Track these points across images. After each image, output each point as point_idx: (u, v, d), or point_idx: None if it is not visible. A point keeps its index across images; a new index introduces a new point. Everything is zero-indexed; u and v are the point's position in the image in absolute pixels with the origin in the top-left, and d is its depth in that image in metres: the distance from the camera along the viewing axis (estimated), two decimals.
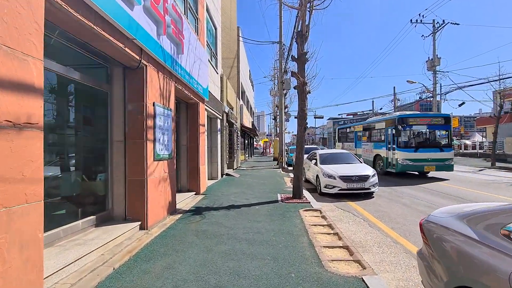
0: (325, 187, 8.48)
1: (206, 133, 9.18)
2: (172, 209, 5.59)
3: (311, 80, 7.22)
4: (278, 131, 33.70)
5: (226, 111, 12.45)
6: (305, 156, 15.61)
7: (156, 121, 4.73)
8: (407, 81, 25.99)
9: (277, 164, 20.62)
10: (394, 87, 32.69)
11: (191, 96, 7.09)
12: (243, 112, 19.98)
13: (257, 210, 6.08)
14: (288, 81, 18.02)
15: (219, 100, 11.42)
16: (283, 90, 18.39)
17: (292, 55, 7.48)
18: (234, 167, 15.73)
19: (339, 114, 44.38)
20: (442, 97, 25.16)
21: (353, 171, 8.47)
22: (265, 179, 11.67)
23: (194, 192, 7.68)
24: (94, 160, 4.35)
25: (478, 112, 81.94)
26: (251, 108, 32.79)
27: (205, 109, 8.81)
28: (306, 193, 8.06)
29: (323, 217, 5.69)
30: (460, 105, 24.52)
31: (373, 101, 41.76)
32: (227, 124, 12.65)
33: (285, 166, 18.65)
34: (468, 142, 36.20)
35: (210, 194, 7.81)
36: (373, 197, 8.38)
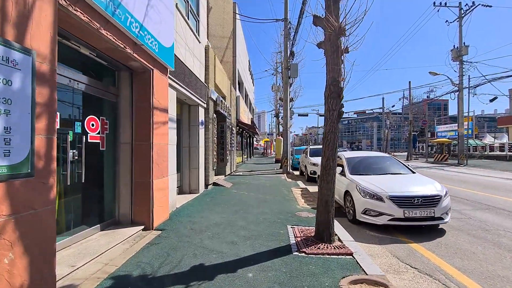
0: (365, 213, 5.17)
1: (175, 125, 5.88)
2: None
3: (353, 26, 3.91)
4: (280, 130, 30.40)
5: (214, 98, 9.15)
6: (319, 160, 12.36)
7: None
8: (429, 72, 22.66)
9: (280, 167, 17.31)
10: (409, 82, 29.34)
11: (131, 54, 3.79)
12: (240, 105, 16.70)
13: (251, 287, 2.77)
14: (294, 67, 14.73)
15: (202, 81, 8.12)
16: (289, 78, 15.11)
17: None
18: (227, 173, 12.43)
19: (345, 112, 41.19)
20: (470, 91, 21.82)
21: (411, 188, 5.16)
22: (267, 192, 8.36)
23: (143, 227, 4.37)
24: None
25: (493, 112, 78.34)
26: (250, 104, 29.50)
27: (171, 85, 5.51)
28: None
29: None
30: (491, 101, 21.20)
31: (383, 98, 38.38)
32: (215, 115, 9.35)
33: (290, 170, 15.35)
34: (486, 142, 32.87)
35: (170, 230, 4.48)
36: (444, 230, 5.09)
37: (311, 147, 14.06)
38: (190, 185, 7.72)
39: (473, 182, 11.45)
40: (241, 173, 14.34)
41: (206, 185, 8.54)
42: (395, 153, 41.55)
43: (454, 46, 22.94)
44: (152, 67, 4.45)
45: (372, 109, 38.97)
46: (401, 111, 50.59)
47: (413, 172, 6.29)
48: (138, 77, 4.48)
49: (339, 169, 6.70)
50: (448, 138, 29.47)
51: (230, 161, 13.01)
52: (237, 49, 16.21)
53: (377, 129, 74.82)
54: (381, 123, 74.08)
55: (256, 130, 22.35)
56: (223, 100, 10.43)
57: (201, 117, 8.02)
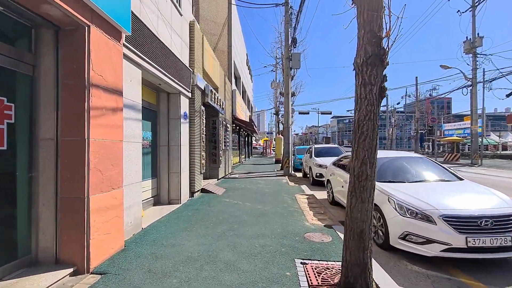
0: (405, 238, 3.63)
1: (139, 116, 4.32)
2: None
3: None
4: (280, 128, 28.82)
5: (202, 86, 7.60)
6: (327, 160, 10.78)
7: None
8: (440, 66, 21.15)
9: (281, 169, 15.78)
10: (416, 77, 27.86)
11: None
12: (237, 100, 15.14)
13: None
14: (297, 56, 13.18)
15: (186, 64, 6.57)
16: (290, 69, 13.56)
17: None
18: (221, 175, 10.88)
19: (348, 111, 39.39)
20: (485, 86, 20.31)
21: (470, 203, 3.62)
22: (266, 201, 6.81)
23: (72, 269, 2.81)
24: None
25: (493, 110, 76.94)
26: (249, 101, 27.95)
27: (130, 58, 3.95)
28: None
29: None
30: (508, 95, 19.65)
31: (387, 95, 36.68)
32: (203, 108, 7.78)
33: (292, 172, 13.82)
34: (497, 141, 31.43)
35: (114, 274, 2.92)
36: None
37: (315, 146, 12.52)
38: (169, 194, 6.17)
39: (504, 186, 9.92)
40: (237, 176, 12.80)
41: (192, 193, 6.98)
42: None
43: (467, 37, 21.40)
44: (87, 22, 2.88)
45: None
46: (405, 109, 49.03)
47: (460, 179, 4.74)
48: (65, 37, 2.92)
49: None
50: (456, 137, 27.96)
51: (224, 162, 11.47)
52: (232, 38, 14.65)
53: (378, 128, 73.24)
54: (382, 121, 72.56)
55: (255, 128, 20.82)
56: (215, 91, 8.87)
57: (184, 108, 6.47)
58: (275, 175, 13.48)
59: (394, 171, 4.99)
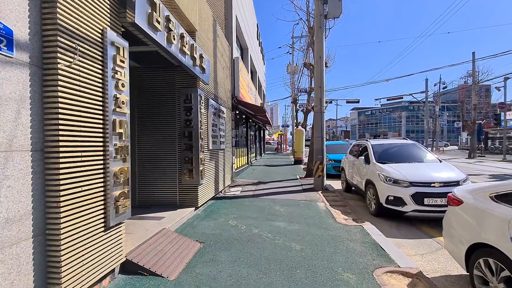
0: None
1: None
2: None
3: None
4: (299, 119, 23.62)
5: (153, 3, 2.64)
6: (407, 170, 5.49)
7: None
8: None
9: (307, 175, 10.71)
10: (473, 53, 21.74)
11: None
12: (240, 73, 10.16)
13: None
14: None
15: None
16: (325, 17, 8.36)
17: None
18: (206, 199, 5.98)
19: (376, 99, 33.24)
20: None
21: None
22: None
23: None
24: None
25: None
26: (260, 86, 22.90)
27: None
28: None
29: None
30: None
31: (426, 79, 30.43)
32: (122, 42, 2.83)
33: (326, 183, 8.72)
34: None
35: None
36: None
37: (373, 142, 7.25)
38: None
39: None
40: (239, 191, 7.89)
41: None
42: (445, 149, 33.72)
43: None
44: None
45: (411, 94, 31.20)
46: (439, 98, 42.37)
47: None
48: None
49: None
50: None
51: (214, 173, 6.58)
52: None
53: (406, 120, 66.27)
54: (411, 112, 65.28)
55: (268, 117, 15.79)
56: (176, 22, 3.93)
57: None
58: (300, 188, 8.47)
59: None
